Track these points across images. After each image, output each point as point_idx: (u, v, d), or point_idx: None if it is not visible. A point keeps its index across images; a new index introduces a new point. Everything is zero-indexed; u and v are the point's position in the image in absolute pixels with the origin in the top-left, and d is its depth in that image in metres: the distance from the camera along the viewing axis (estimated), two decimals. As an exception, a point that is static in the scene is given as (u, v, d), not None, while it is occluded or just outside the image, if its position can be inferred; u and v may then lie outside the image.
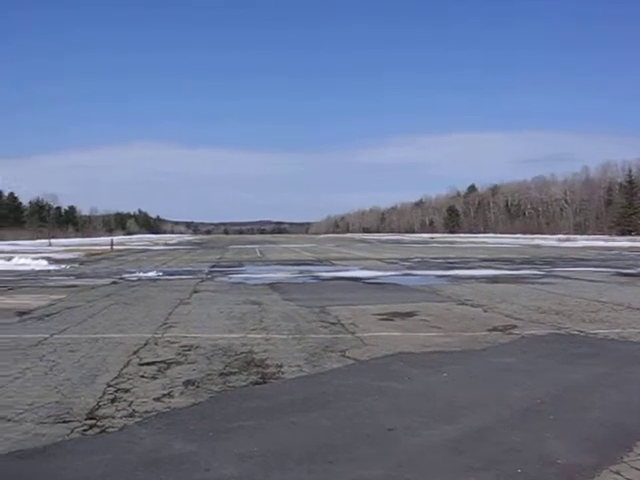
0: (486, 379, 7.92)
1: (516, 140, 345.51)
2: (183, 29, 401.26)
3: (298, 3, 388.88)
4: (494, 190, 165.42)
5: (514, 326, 11.91)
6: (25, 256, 37.55)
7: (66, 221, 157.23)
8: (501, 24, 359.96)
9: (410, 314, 13.60)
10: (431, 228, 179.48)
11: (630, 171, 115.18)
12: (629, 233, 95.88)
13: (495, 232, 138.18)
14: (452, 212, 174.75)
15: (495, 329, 11.60)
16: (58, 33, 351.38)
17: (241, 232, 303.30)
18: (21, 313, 13.87)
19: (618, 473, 4.95)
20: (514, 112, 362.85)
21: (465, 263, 33.70)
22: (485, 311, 14.04)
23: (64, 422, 6.14)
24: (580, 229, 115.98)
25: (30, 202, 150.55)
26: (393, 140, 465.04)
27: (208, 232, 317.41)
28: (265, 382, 7.77)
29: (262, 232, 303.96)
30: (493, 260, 36.61)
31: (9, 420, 6.21)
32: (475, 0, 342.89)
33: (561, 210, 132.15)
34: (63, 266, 32.37)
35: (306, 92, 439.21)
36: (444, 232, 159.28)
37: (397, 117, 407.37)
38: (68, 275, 26.27)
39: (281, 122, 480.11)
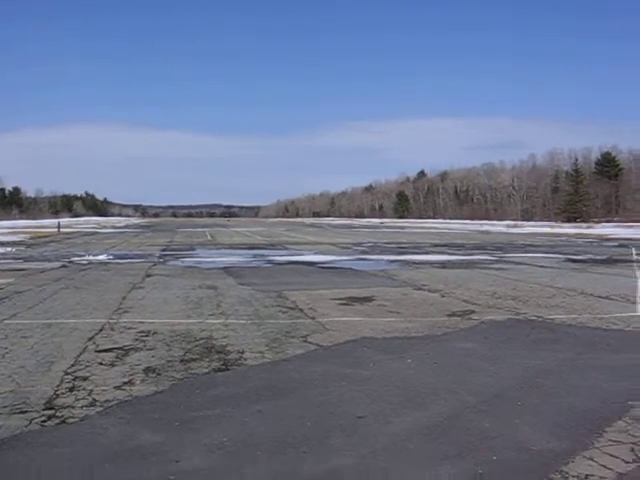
0: (450, 365, 7.87)
1: (466, 127, 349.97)
2: (145, 13, 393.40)
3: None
4: (443, 176, 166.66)
5: (472, 311, 11.93)
6: (-31, 239, 36.52)
7: (10, 202, 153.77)
8: (453, 9, 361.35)
9: (368, 299, 13.53)
10: (381, 213, 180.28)
11: (576, 159, 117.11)
12: (575, 220, 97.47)
13: (444, 217, 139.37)
14: (401, 197, 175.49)
15: (454, 314, 11.60)
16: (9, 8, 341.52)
17: (190, 215, 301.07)
18: (-32, 297, 13.41)
19: (592, 459, 4.91)
20: (464, 99, 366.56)
21: (417, 248, 33.87)
22: (442, 296, 14.06)
23: (21, 412, 5.88)
24: (527, 215, 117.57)
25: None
26: (345, 125, 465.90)
27: (156, 215, 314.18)
28: (228, 369, 7.60)
29: (211, 215, 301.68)
30: (445, 245, 36.87)
31: (-38, 410, 5.93)
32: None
33: (509, 197, 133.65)
34: (9, 249, 31.59)
35: (262, 76, 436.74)
36: (393, 217, 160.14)
37: (350, 103, 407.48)
38: (15, 258, 25.62)
39: (232, 106, 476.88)
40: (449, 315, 11.53)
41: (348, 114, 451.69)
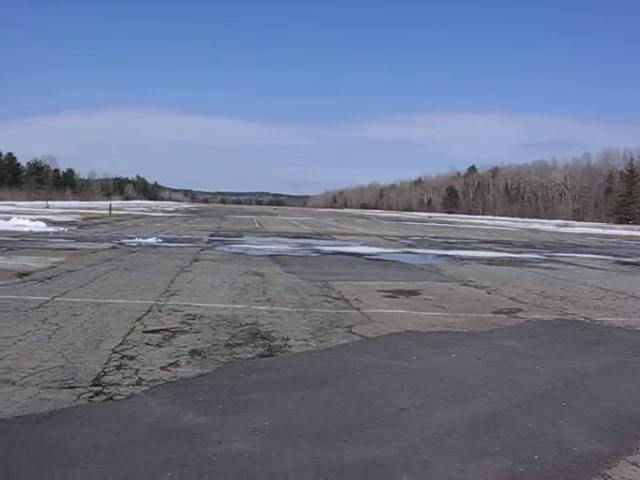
0: (495, 362, 7.82)
1: (519, 123, 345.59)
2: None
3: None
4: (494, 172, 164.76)
5: (519, 310, 11.81)
6: (23, 217, 37.27)
7: (64, 183, 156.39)
8: (506, 6, 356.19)
9: (414, 292, 13.49)
10: (429, 207, 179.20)
11: (631, 160, 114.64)
12: (627, 222, 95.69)
13: (493, 214, 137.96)
14: (451, 192, 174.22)
15: (500, 312, 11.50)
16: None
17: (239, 202, 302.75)
18: (21, 275, 13.72)
19: (635, 464, 4.87)
20: (519, 95, 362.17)
21: (465, 244, 33.60)
22: (489, 293, 13.94)
23: (70, 387, 6.02)
24: (578, 215, 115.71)
25: (28, 163, 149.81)
26: (396, 118, 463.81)
27: (205, 201, 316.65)
28: (272, 355, 7.66)
29: (260, 203, 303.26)
30: (493, 242, 36.50)
31: (13, 383, 6.08)
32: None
33: (560, 195, 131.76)
34: (61, 229, 32.14)
35: (314, 66, 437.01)
36: (442, 212, 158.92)
37: (403, 96, 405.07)
38: (67, 238, 26.07)
39: (287, 94, 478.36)
40: (495, 312, 11.44)
41: (400, 107, 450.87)
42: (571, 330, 10.10)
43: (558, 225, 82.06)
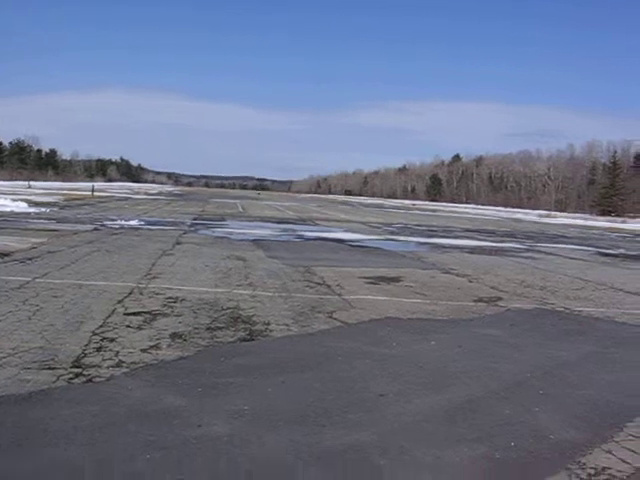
0: (474, 350, 7.88)
1: (504, 112, 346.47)
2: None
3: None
4: (478, 161, 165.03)
5: (499, 298, 11.89)
6: (4, 197, 36.98)
7: (46, 164, 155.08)
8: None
9: (395, 279, 13.54)
10: (413, 195, 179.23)
11: (615, 152, 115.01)
12: (609, 214, 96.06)
13: (477, 203, 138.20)
14: (435, 180, 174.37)
15: (481, 300, 11.58)
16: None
17: (222, 186, 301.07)
18: (2, 255, 13.62)
19: (610, 452, 4.92)
20: (504, 84, 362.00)
21: (448, 232, 33.73)
22: (470, 281, 14.02)
23: (49, 369, 6.00)
24: (561, 206, 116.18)
25: (10, 143, 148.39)
26: (390, 105, 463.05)
27: (189, 184, 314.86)
28: (253, 339, 7.68)
29: (244, 187, 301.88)
30: (476, 231, 36.67)
31: (-8, 363, 6.07)
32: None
33: (543, 186, 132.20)
34: (43, 209, 31.93)
35: (312, 53, 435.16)
36: (426, 200, 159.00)
37: (388, 82, 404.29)
38: (49, 219, 25.88)
39: (284, 81, 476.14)
40: (476, 300, 11.51)
41: (385, 94, 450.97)
42: (550, 320, 10.19)
43: (540, 215, 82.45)
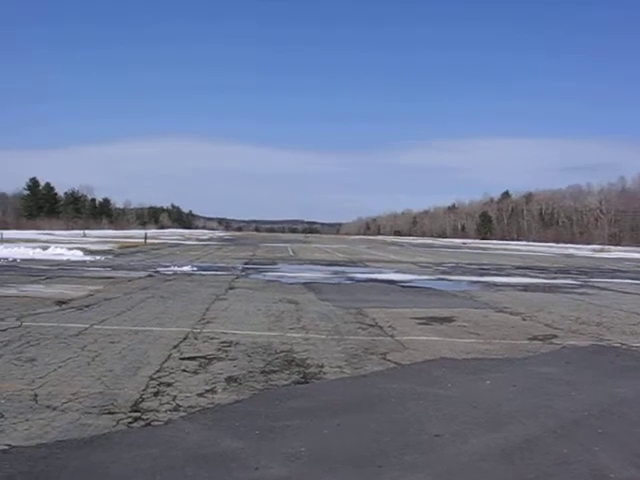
0: (530, 388, 7.80)
1: (552, 148, 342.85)
2: (217, 20, 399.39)
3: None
4: (528, 197, 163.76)
5: (554, 336, 11.74)
6: (61, 246, 37.89)
7: (100, 213, 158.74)
8: (534, 29, 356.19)
9: (448, 319, 13.48)
10: (463, 233, 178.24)
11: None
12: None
13: (528, 240, 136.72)
14: (485, 218, 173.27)
15: (535, 338, 11.45)
16: (101, 22, 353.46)
17: (272, 230, 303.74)
18: (60, 302, 13.99)
19: (673, 491, 4.83)
20: (551, 119, 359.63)
21: (499, 270, 33.42)
22: (524, 319, 13.88)
23: (109, 413, 6.15)
24: (615, 240, 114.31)
25: (66, 193, 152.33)
26: (429, 143, 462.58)
27: (239, 229, 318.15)
28: (307, 382, 7.73)
29: (293, 231, 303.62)
30: (528, 268, 36.26)
31: (54, 409, 6.23)
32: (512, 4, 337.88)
33: (596, 220, 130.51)
34: (98, 257, 32.63)
35: (346, 92, 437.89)
36: (476, 238, 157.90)
37: (435, 121, 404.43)
38: (104, 266, 26.45)
39: (319, 122, 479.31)
40: (530, 339, 11.39)
41: (432, 133, 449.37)
42: (607, 356, 10.03)
43: (594, 250, 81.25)
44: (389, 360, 9.12)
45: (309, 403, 6.80)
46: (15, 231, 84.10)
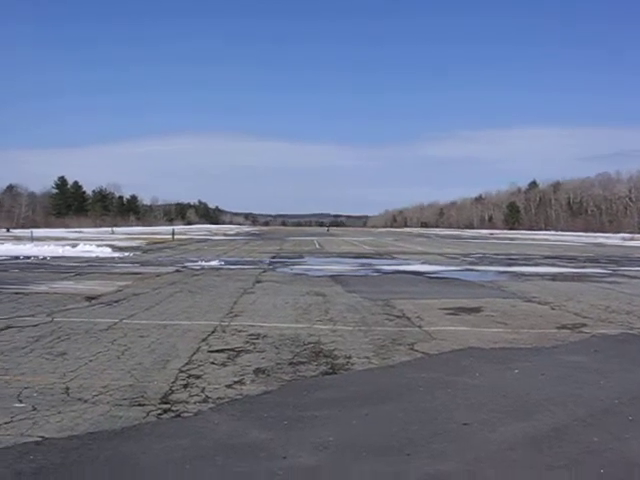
0: (559, 377, 7.76)
1: (579, 136, 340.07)
2: (255, 17, 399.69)
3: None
4: (556, 187, 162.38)
5: (583, 325, 11.66)
6: (89, 243, 38.25)
7: (128, 210, 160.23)
8: (562, 21, 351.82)
9: (476, 309, 13.44)
10: (490, 224, 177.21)
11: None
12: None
13: (556, 229, 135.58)
14: (512, 208, 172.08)
15: (564, 327, 11.38)
16: (128, 20, 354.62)
17: (299, 224, 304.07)
18: (90, 298, 14.15)
19: None
20: (578, 107, 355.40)
21: (527, 260, 33.20)
22: (552, 309, 13.79)
23: (139, 405, 6.23)
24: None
25: (94, 191, 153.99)
26: (453, 135, 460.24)
27: (266, 224, 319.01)
28: (335, 373, 7.76)
29: (320, 225, 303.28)
30: (556, 257, 35.99)
31: (85, 401, 6.32)
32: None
33: (625, 208, 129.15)
34: (126, 254, 32.92)
35: (370, 86, 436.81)
36: (504, 228, 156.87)
37: (461, 112, 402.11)
38: (132, 263, 26.69)
39: (344, 115, 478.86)
40: (559, 327, 11.32)
41: (458, 124, 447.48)
42: (637, 345, 9.94)
43: (624, 238, 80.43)
44: (417, 350, 9.12)
45: (337, 394, 6.82)
46: (44, 229, 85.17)
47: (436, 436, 5.50)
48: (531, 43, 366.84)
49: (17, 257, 29.21)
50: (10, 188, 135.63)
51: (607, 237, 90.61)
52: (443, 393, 6.89)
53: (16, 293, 15.03)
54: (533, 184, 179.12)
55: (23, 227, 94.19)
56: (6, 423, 5.62)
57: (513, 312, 13.15)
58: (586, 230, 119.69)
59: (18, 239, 49.12)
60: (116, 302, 13.63)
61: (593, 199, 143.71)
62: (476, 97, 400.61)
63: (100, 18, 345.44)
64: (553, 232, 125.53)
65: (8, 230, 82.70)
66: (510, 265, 28.37)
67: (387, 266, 26.92)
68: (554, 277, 22.23)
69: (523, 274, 23.39)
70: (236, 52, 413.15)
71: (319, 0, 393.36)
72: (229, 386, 7.02)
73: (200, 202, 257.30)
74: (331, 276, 21.22)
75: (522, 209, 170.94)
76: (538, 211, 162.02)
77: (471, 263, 29.86)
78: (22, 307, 12.74)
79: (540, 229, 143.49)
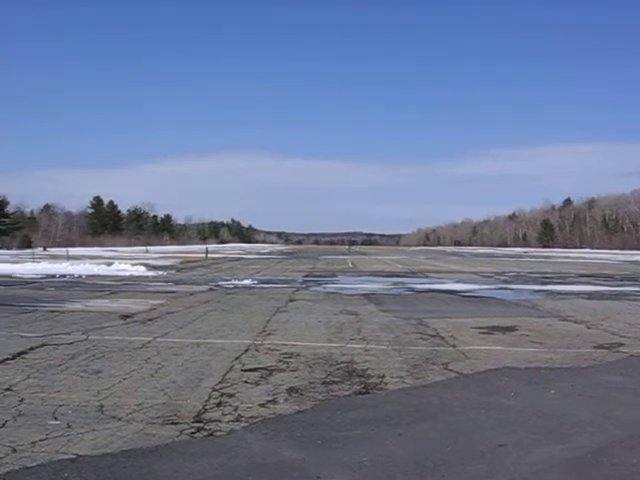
0: (596, 397, 7.64)
1: (614, 152, 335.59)
2: (278, 34, 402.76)
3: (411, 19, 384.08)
4: (591, 204, 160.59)
5: (621, 344, 11.48)
6: (124, 262, 38.66)
7: (162, 229, 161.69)
8: (598, 38, 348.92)
9: (510, 328, 13.30)
10: (524, 242, 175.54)
11: None
12: None
13: (592, 247, 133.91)
14: (546, 226, 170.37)
15: (601, 347, 11.21)
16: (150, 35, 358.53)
17: (332, 243, 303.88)
18: (124, 317, 14.27)
19: None
20: (612, 124, 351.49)
21: (563, 278, 32.83)
22: (589, 328, 13.60)
23: (172, 424, 6.25)
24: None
25: (128, 210, 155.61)
26: (488, 152, 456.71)
27: (299, 242, 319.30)
28: (368, 392, 7.72)
29: (352, 243, 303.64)
30: (592, 276, 35.54)
31: (119, 419, 6.36)
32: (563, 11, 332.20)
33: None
34: (160, 272, 33.17)
35: (402, 104, 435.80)
36: (538, 246, 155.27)
37: (493, 130, 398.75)
38: (166, 281, 26.90)
39: (375, 134, 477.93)
40: (596, 347, 11.16)
41: (490, 142, 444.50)
42: (677, 365, 9.76)
43: (662, 257, 79.11)
44: (451, 370, 9.05)
45: (371, 413, 6.78)
46: (80, 248, 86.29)
47: (471, 457, 5.44)
48: (565, 60, 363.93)
49: (53, 275, 29.63)
50: (47, 207, 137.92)
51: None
52: (478, 413, 6.82)
53: (52, 311, 15.23)
54: (568, 201, 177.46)
55: (59, 246, 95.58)
56: (41, 440, 5.67)
57: (548, 331, 13.00)
58: (622, 248, 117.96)
59: (54, 258, 49.82)
60: (150, 320, 13.73)
61: (629, 216, 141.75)
62: (508, 115, 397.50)
63: (147, 31, 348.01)
64: (588, 250, 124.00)
65: (45, 249, 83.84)
66: (545, 283, 28.07)
67: (420, 285, 26.80)
68: (590, 295, 21.94)
69: (558, 292, 23.13)
70: (263, 69, 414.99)
71: (344, 16, 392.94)
72: (262, 405, 7.02)
73: (233, 221, 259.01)
74: (364, 295, 21.18)
75: (556, 227, 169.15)
76: (573, 229, 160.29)
77: (505, 282, 29.61)
78: (58, 325, 12.90)
79: (575, 247, 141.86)
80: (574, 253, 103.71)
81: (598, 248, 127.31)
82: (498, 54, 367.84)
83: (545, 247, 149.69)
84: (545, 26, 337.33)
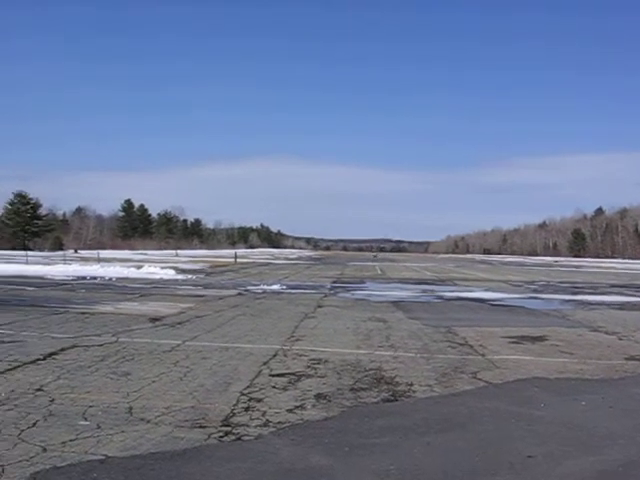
0: (628, 410, 7.53)
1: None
2: (309, 40, 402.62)
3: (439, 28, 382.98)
4: (622, 213, 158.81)
5: (653, 356, 11.33)
6: (154, 265, 38.96)
7: (192, 233, 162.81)
8: (628, 48, 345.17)
9: (540, 338, 13.18)
10: (555, 251, 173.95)
11: None
12: None
13: (623, 257, 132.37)
14: (577, 235, 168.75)
15: (633, 358, 11.06)
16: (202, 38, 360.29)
17: (360, 249, 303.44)
18: (153, 319, 14.37)
19: None
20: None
21: (593, 288, 32.48)
22: (620, 339, 13.44)
23: (201, 427, 6.27)
24: None
25: (158, 214, 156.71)
26: (517, 161, 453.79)
27: (327, 248, 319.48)
28: (396, 400, 7.69)
29: (381, 250, 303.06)
30: (623, 286, 35.12)
31: (148, 422, 6.40)
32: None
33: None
34: (190, 276, 33.37)
35: (436, 109, 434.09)
36: (568, 256, 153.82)
37: (524, 138, 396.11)
38: (195, 285, 27.03)
39: (407, 140, 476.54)
40: (627, 359, 11.02)
41: (521, 150, 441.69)
42: None
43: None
44: (480, 379, 8.98)
45: (398, 421, 6.76)
46: (111, 251, 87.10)
47: (499, 468, 5.39)
48: (595, 70, 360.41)
49: (84, 277, 29.97)
50: (79, 210, 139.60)
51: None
52: (507, 423, 6.76)
53: (82, 313, 15.38)
54: (599, 210, 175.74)
55: (90, 248, 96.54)
56: (71, 440, 5.72)
57: (579, 342, 12.86)
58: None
59: (85, 260, 50.33)
60: (179, 324, 13.81)
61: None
62: (539, 124, 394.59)
63: (179, 32, 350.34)
64: (620, 260, 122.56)
65: (76, 251, 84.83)
66: (575, 293, 27.78)
67: (449, 293, 26.68)
68: (622, 306, 21.69)
69: (589, 303, 22.88)
70: (295, 74, 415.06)
71: (372, 22, 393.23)
72: (290, 410, 7.02)
73: (262, 226, 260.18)
74: (392, 302, 21.12)
75: (588, 236, 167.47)
76: (604, 238, 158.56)
77: (535, 291, 29.37)
78: (88, 327, 13.02)
79: (606, 257, 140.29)
80: (605, 263, 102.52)
81: (630, 258, 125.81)
82: (526, 62, 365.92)
83: (576, 256, 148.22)
84: (570, 34, 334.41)
